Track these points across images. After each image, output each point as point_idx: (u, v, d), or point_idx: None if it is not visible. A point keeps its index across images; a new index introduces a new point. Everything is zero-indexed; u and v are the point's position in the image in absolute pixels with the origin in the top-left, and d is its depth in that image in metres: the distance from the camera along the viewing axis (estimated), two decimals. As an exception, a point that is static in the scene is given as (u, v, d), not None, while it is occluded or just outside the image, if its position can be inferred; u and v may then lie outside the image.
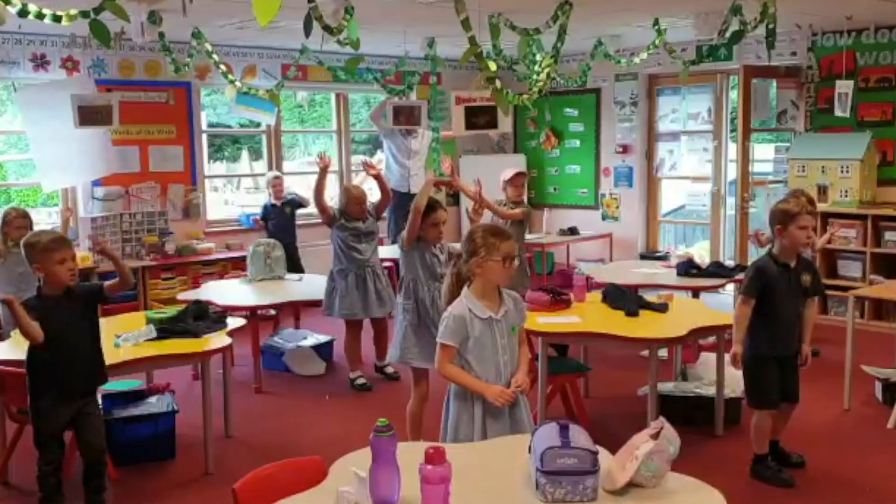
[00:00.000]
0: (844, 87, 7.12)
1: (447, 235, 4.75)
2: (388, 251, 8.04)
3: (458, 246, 4.27)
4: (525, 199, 6.29)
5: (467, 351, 3.02)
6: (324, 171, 5.58)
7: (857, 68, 7.38)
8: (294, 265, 7.45)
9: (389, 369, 5.91)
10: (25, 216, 5.63)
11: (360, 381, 5.73)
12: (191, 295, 5.76)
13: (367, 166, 5.65)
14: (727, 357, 4.81)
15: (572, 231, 9.00)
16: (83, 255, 7.16)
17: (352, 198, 5.71)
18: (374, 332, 5.98)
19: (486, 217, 5.14)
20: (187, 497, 4.09)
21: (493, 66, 4.34)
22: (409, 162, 8.66)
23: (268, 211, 7.93)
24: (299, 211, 8.08)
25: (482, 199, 4.87)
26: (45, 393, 3.56)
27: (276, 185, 7.91)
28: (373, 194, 6.19)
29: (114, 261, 3.81)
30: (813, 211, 4.00)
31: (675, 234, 9.85)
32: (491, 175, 6.37)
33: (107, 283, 3.75)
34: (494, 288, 3.07)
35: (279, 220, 7.86)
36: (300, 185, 8.80)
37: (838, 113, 7.14)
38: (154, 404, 4.55)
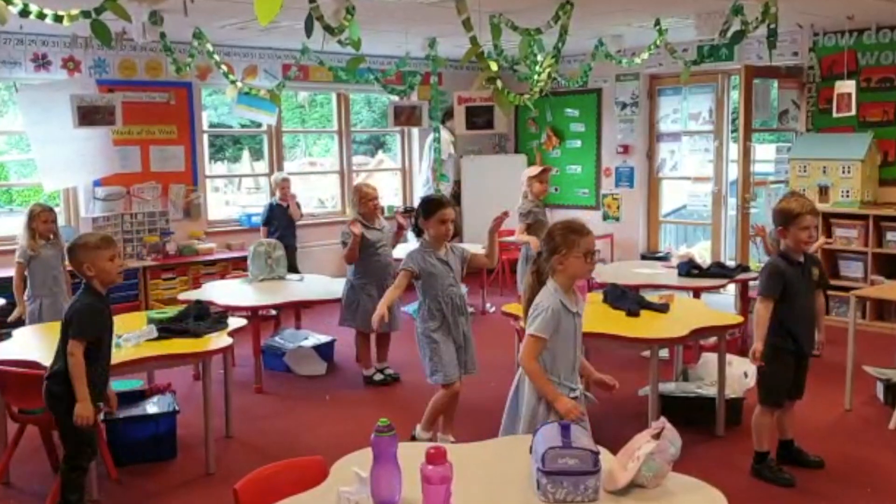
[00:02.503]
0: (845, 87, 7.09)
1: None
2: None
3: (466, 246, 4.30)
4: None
5: (554, 344, 3.07)
6: (356, 239, 5.48)
7: (858, 68, 7.38)
8: (291, 269, 7.45)
9: (390, 370, 5.89)
10: (50, 210, 5.66)
11: (379, 376, 5.77)
12: (192, 295, 5.75)
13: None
14: (728, 357, 4.84)
15: (573, 231, 8.98)
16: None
17: (363, 195, 5.71)
18: (375, 335, 5.91)
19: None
20: (188, 497, 4.08)
21: (494, 67, 4.34)
22: None
23: (273, 211, 7.83)
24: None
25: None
26: (93, 393, 3.58)
27: (283, 186, 7.86)
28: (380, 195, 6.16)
29: None
30: (815, 211, 3.96)
31: (676, 235, 9.85)
32: (491, 174, 6.40)
33: None
34: (574, 284, 3.15)
35: (284, 220, 7.81)
36: (301, 187, 8.80)
37: (837, 114, 7.10)
38: (155, 404, 4.56)
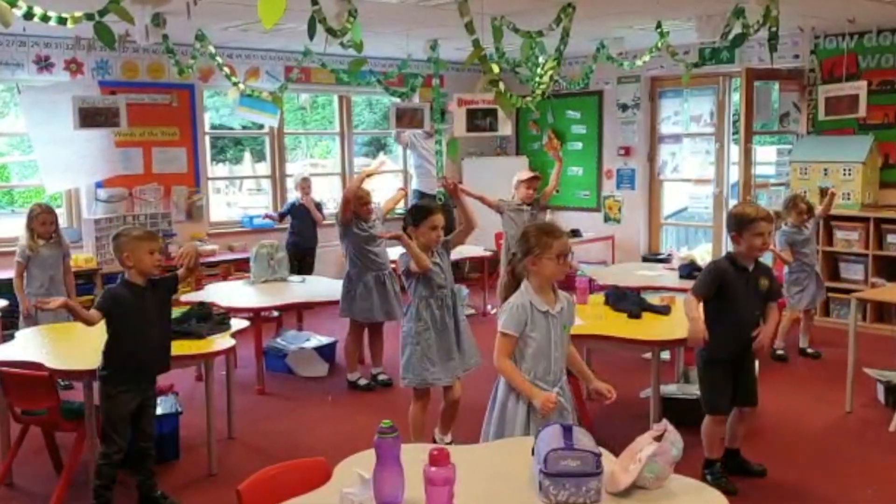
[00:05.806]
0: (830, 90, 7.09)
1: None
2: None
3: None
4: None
5: (524, 343, 3.09)
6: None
7: (859, 71, 7.38)
8: (307, 270, 7.45)
9: (383, 376, 5.81)
10: (50, 211, 5.69)
11: (363, 381, 5.73)
12: (194, 296, 5.76)
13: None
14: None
15: (574, 233, 9.01)
16: (87, 256, 7.20)
17: (356, 198, 5.70)
18: (369, 336, 5.90)
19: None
20: (191, 498, 4.09)
21: (495, 69, 4.35)
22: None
23: (294, 209, 7.82)
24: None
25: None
26: (118, 379, 3.68)
27: (304, 186, 7.85)
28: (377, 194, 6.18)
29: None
30: (769, 217, 3.84)
31: (677, 237, 9.86)
32: (492, 176, 6.43)
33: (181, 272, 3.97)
34: (549, 285, 3.15)
35: (306, 220, 7.79)
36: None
37: (823, 118, 7.11)
38: (158, 405, 4.55)
